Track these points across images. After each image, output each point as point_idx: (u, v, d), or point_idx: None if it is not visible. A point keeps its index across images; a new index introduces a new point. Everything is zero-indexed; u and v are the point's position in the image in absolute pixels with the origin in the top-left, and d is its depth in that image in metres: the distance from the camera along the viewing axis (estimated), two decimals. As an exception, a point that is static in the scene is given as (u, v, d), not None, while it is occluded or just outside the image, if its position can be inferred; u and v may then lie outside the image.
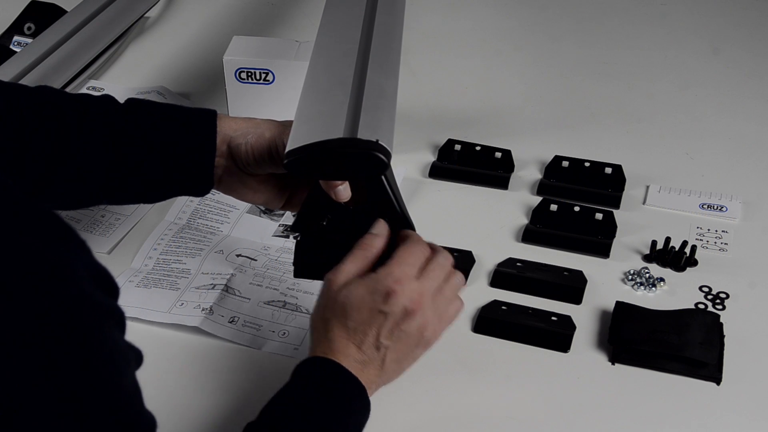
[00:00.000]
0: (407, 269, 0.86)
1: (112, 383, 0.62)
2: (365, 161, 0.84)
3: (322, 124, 0.87)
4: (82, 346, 0.60)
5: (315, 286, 1.06)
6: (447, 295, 0.89)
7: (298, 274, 0.95)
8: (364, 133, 0.85)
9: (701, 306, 1.06)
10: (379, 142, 0.84)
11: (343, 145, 0.84)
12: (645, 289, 1.08)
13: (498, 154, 1.27)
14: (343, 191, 0.89)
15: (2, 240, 0.59)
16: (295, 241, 0.95)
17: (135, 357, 0.68)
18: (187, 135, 0.94)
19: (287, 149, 0.86)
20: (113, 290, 0.66)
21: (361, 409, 0.84)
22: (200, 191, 0.97)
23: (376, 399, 0.89)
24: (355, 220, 0.91)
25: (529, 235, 1.16)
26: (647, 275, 1.09)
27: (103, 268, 0.64)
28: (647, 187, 1.24)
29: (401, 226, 0.92)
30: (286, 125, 0.93)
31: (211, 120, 0.94)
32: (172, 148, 0.93)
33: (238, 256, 1.12)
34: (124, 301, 1.09)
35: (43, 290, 0.59)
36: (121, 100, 0.97)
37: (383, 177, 0.89)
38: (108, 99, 0.96)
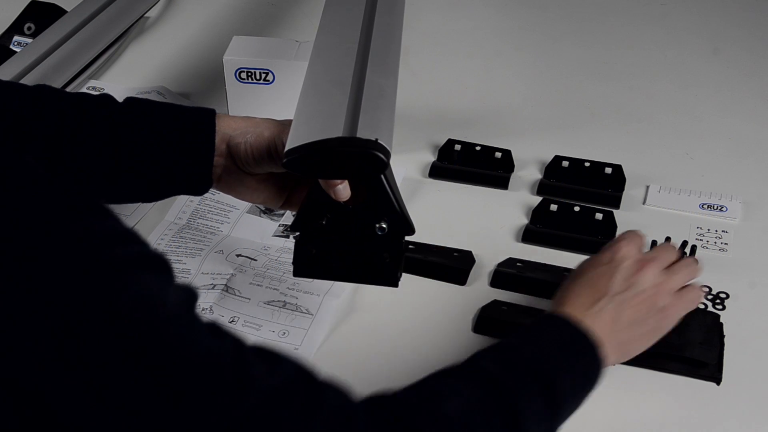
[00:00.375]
0: (631, 242, 0.92)
1: (161, 328, 0.61)
2: (364, 160, 0.84)
3: (322, 124, 0.87)
4: (116, 299, 0.60)
5: (315, 286, 1.07)
6: (678, 279, 0.92)
7: (297, 273, 0.96)
8: (363, 132, 0.85)
9: (701, 306, 1.06)
10: (379, 141, 0.84)
11: (343, 144, 0.84)
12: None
13: (498, 154, 1.27)
14: (343, 190, 0.89)
15: (30, 210, 0.60)
16: (294, 240, 0.95)
17: (187, 295, 0.66)
18: (186, 134, 0.94)
19: (286, 148, 0.86)
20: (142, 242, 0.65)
21: (587, 358, 0.83)
22: (199, 190, 0.97)
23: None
24: (355, 219, 0.92)
25: (529, 235, 1.16)
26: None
27: (129, 229, 0.64)
28: (647, 187, 1.24)
29: (400, 225, 0.92)
30: (285, 124, 0.93)
31: (209, 119, 0.94)
32: (170, 148, 0.93)
33: (238, 256, 1.12)
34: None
35: (66, 249, 0.60)
36: (121, 100, 0.97)
37: (382, 176, 0.89)
38: (106, 98, 0.96)
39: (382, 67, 0.95)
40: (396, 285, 0.94)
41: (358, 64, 0.95)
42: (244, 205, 1.18)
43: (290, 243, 1.14)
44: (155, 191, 0.97)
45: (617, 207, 1.20)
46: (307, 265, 0.95)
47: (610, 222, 1.16)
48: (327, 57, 0.98)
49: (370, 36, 1.00)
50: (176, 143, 0.93)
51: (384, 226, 0.91)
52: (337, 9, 1.08)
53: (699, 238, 1.15)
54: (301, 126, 0.88)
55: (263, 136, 0.93)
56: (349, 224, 0.92)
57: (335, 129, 0.85)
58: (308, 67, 0.97)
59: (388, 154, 0.85)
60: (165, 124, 0.94)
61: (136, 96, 1.39)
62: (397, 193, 0.92)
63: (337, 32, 1.02)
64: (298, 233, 0.94)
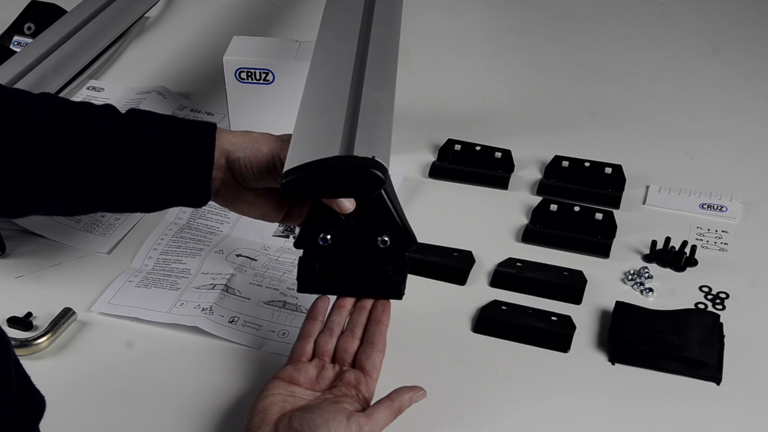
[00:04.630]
0: None
1: None
2: (362, 179, 0.85)
3: (319, 142, 0.87)
4: None
5: (315, 286, 1.07)
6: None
7: (301, 289, 0.96)
8: (360, 150, 0.85)
9: (701, 306, 1.06)
10: (375, 158, 0.84)
11: (339, 164, 0.85)
12: (644, 288, 1.08)
13: (498, 154, 1.27)
14: (346, 201, 0.89)
15: None
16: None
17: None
18: (186, 148, 0.94)
19: (285, 169, 0.86)
20: None
21: None
22: (197, 203, 0.97)
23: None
24: (357, 233, 0.92)
25: (529, 235, 1.16)
26: (647, 275, 1.09)
27: None
28: (647, 187, 1.24)
29: (402, 238, 0.92)
30: (284, 140, 0.94)
31: (209, 133, 0.95)
32: (170, 161, 0.93)
33: (238, 256, 1.12)
34: (124, 301, 1.09)
35: None
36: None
37: (382, 190, 0.89)
38: (109, 108, 0.96)
39: (378, 81, 0.95)
40: (400, 298, 0.95)
41: (354, 78, 0.95)
42: (244, 205, 1.18)
43: (290, 243, 1.14)
44: (153, 203, 0.97)
45: (617, 207, 1.20)
46: (311, 280, 0.95)
47: (610, 222, 1.16)
48: (324, 72, 0.98)
49: (367, 49, 1.01)
50: (175, 156, 0.94)
51: (386, 239, 0.92)
52: (334, 21, 1.08)
53: (699, 238, 1.15)
54: (299, 145, 0.88)
55: (261, 151, 0.94)
56: (351, 239, 0.92)
57: (332, 148, 0.86)
58: (306, 83, 0.97)
59: (385, 171, 0.85)
60: (165, 137, 0.94)
61: (137, 96, 1.40)
62: (398, 206, 0.92)
63: (335, 46, 1.03)
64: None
